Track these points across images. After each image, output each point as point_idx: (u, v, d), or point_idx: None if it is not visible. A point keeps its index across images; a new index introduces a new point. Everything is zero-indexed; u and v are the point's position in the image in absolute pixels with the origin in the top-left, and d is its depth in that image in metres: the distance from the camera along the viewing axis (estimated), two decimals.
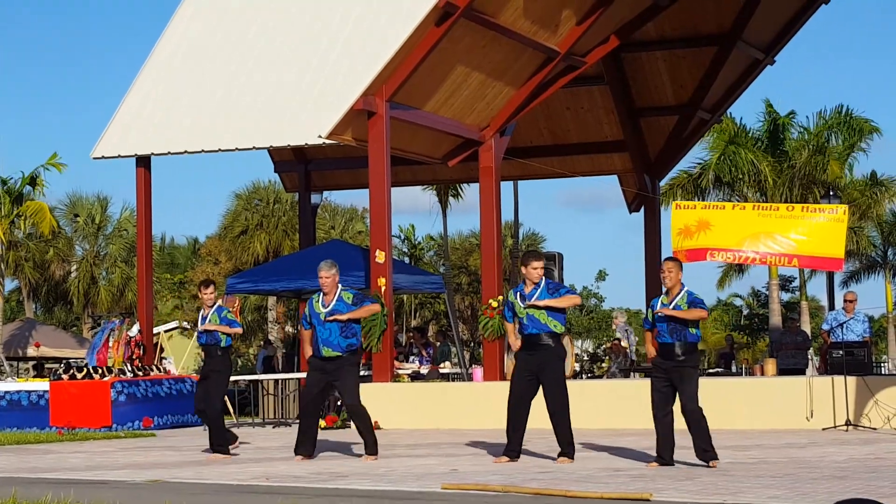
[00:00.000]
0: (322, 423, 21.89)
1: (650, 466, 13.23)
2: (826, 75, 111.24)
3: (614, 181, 32.23)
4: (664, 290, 13.54)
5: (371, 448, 14.86)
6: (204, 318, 15.91)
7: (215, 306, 15.94)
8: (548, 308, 13.85)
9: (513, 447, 14.02)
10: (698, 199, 40.77)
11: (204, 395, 15.93)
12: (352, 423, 15.11)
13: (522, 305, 13.92)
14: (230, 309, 16.43)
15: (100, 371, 22.92)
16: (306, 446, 15.01)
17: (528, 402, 14.03)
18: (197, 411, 16.40)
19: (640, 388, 21.73)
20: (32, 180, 35.99)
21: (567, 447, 13.89)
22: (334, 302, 14.71)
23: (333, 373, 14.74)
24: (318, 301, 14.83)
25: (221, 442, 15.87)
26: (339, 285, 14.92)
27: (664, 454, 13.30)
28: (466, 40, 22.79)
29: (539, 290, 13.90)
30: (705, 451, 13.18)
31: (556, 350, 13.97)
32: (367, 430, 14.90)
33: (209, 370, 16.00)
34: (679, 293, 13.38)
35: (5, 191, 36.14)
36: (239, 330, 15.97)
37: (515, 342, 14.17)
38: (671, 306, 13.32)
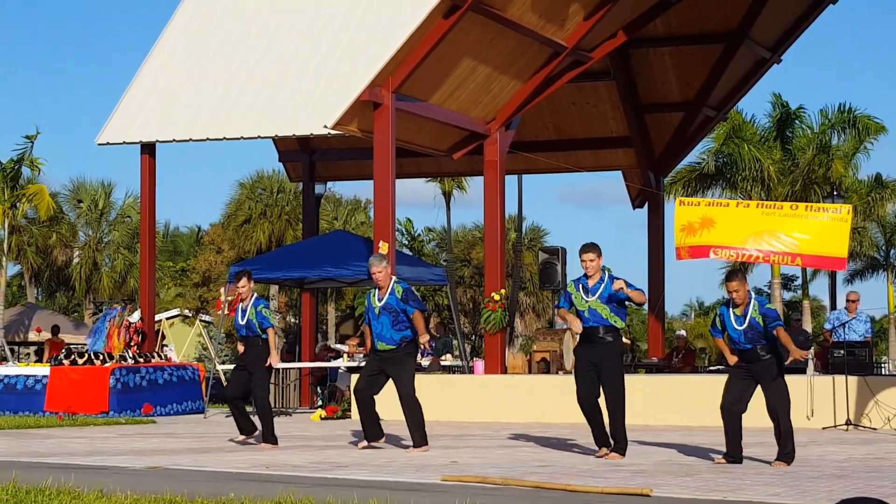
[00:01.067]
0: (322, 413, 21.97)
1: (718, 462, 13.12)
2: (831, 74, 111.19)
3: (619, 177, 32.25)
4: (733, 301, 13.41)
5: (419, 440, 14.73)
6: (244, 311, 15.51)
7: (252, 298, 15.58)
8: (618, 302, 13.67)
9: (601, 439, 13.90)
10: (701, 194, 40.83)
11: (242, 385, 15.62)
12: (402, 414, 14.96)
13: (585, 298, 13.74)
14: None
15: (101, 357, 22.93)
16: (373, 431, 14.96)
17: (596, 397, 13.85)
18: (230, 398, 15.93)
19: (639, 384, 21.76)
20: (30, 162, 35.87)
21: (619, 443, 13.75)
22: (387, 296, 14.75)
23: (389, 362, 14.75)
24: (374, 295, 14.87)
25: (271, 431, 15.55)
26: (393, 277, 14.94)
27: (733, 451, 13.14)
28: (474, 33, 22.77)
29: (603, 285, 13.73)
30: (786, 453, 13.03)
31: (615, 345, 13.78)
32: (417, 424, 14.76)
33: (253, 360, 15.52)
34: (750, 303, 13.28)
35: (3, 175, 36.07)
36: (271, 329, 15.53)
37: (577, 323, 13.88)
38: (746, 320, 13.17)
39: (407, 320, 14.72)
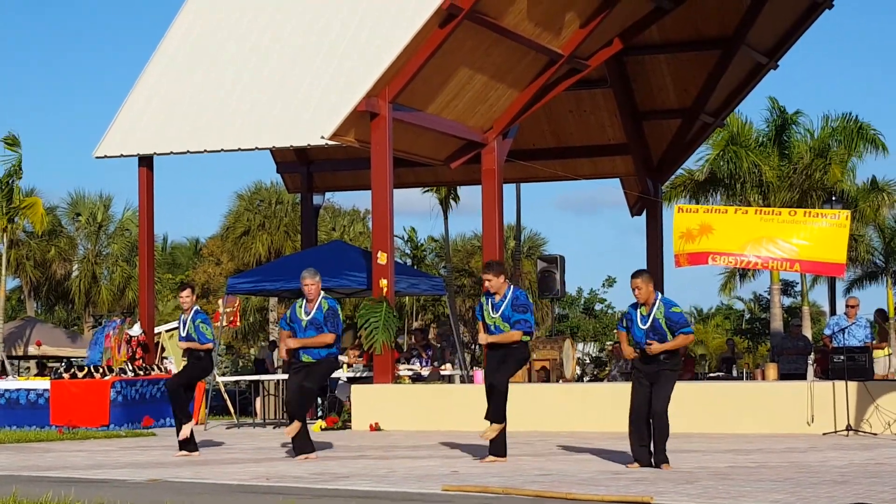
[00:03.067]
0: (322, 423, 21.96)
1: (630, 467, 13.32)
2: (828, 79, 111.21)
3: (617, 184, 32.27)
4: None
5: (310, 448, 15.01)
6: (184, 322, 16.18)
7: (192, 311, 16.13)
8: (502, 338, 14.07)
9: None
10: (700, 200, 40.83)
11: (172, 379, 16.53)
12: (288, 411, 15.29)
13: (492, 314, 14.12)
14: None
15: (101, 370, 22.92)
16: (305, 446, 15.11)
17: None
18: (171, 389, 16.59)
19: None
20: (16, 169, 35.72)
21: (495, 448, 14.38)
22: (315, 310, 14.97)
23: (306, 370, 14.95)
24: (301, 307, 15.09)
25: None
26: (322, 292, 15.17)
27: (640, 455, 13.36)
28: (470, 42, 22.79)
29: (505, 303, 14.09)
30: (661, 451, 13.23)
31: (517, 352, 14.16)
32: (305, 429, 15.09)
33: (190, 369, 16.27)
34: (655, 304, 13.36)
35: None
36: (208, 345, 16.05)
37: (485, 337, 14.31)
38: (650, 319, 13.30)
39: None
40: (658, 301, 13.39)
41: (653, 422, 13.28)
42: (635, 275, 13.50)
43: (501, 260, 14.31)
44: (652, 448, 13.29)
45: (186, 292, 16.21)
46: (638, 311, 13.48)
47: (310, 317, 14.92)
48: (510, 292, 14.09)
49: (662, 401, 13.28)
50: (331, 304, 15.04)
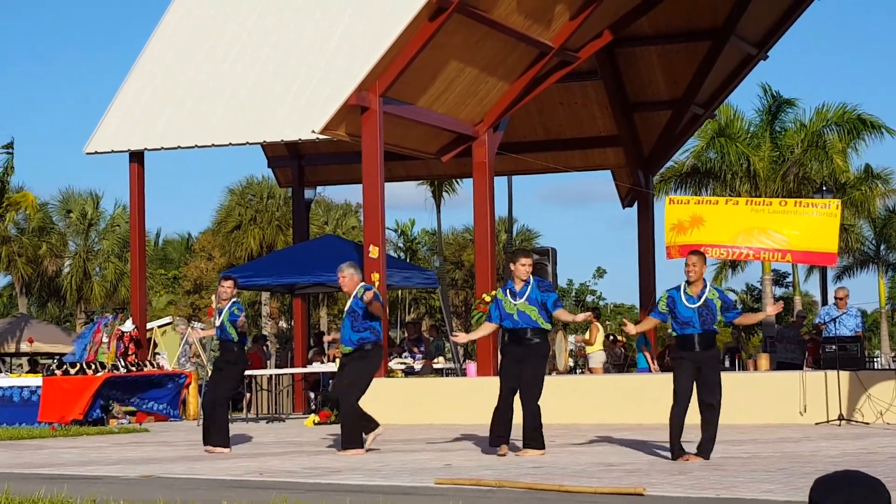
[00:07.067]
0: (315, 418, 21.96)
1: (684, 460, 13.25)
2: (818, 70, 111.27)
3: (608, 176, 32.29)
4: (686, 282, 13.34)
5: (346, 443, 14.74)
6: (220, 312, 15.72)
7: (231, 301, 15.75)
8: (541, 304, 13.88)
9: (501, 435, 14.07)
10: (690, 191, 40.88)
11: (211, 389, 15.88)
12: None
13: (514, 302, 13.91)
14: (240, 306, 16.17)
15: (93, 367, 22.90)
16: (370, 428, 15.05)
17: (514, 394, 14.03)
18: (203, 404, 16.21)
19: (632, 383, 21.78)
20: (7, 169, 35.66)
21: (532, 438, 14.03)
22: (351, 299, 14.81)
23: (345, 366, 14.89)
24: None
25: (222, 437, 15.68)
26: (361, 284, 14.90)
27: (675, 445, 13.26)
28: (460, 35, 22.77)
29: (530, 287, 13.93)
30: (707, 441, 13.28)
31: (541, 346, 14.04)
32: (347, 424, 14.77)
33: (222, 363, 15.82)
34: (705, 286, 13.25)
35: None
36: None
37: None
38: (701, 300, 13.10)
39: (369, 321, 14.74)
40: (708, 284, 13.26)
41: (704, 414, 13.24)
42: (692, 253, 13.47)
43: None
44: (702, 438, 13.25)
45: (229, 283, 15.83)
46: (683, 292, 13.26)
47: (347, 306, 14.79)
48: (531, 278, 14.03)
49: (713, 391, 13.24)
50: (365, 287, 14.81)
